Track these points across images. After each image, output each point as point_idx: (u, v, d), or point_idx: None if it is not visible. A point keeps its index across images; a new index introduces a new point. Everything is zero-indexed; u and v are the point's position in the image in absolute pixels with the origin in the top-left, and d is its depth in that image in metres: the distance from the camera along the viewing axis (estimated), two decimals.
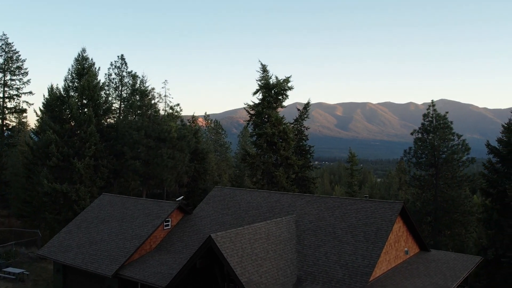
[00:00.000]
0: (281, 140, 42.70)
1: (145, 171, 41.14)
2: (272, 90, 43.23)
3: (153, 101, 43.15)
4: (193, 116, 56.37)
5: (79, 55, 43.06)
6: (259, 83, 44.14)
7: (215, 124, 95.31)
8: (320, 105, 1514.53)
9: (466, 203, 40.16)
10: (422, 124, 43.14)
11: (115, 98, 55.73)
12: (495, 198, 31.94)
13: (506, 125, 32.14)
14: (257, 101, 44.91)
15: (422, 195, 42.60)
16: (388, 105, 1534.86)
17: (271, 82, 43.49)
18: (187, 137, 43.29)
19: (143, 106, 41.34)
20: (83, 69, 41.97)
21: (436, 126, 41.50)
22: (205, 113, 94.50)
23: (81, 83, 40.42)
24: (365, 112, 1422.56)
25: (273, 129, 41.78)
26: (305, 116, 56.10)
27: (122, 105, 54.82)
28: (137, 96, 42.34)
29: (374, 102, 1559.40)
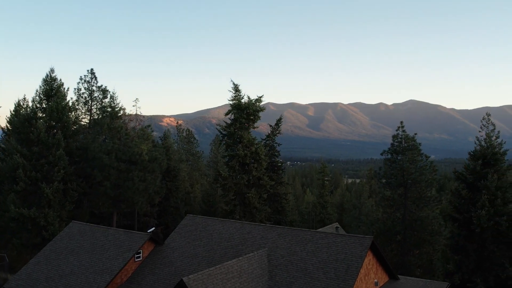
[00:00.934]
0: (253, 161, 42.87)
1: (115, 194, 40.65)
2: (244, 111, 43.34)
3: (123, 121, 42.63)
4: (165, 133, 56.00)
5: (47, 75, 42.19)
6: (231, 103, 44.19)
7: (187, 133, 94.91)
8: (292, 105, 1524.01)
9: (434, 223, 41.08)
10: (392, 144, 43.98)
11: (84, 113, 54.94)
12: (461, 224, 32.79)
13: (472, 153, 33.05)
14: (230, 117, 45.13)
15: (392, 215, 43.39)
16: (359, 105, 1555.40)
17: (243, 102, 43.59)
18: (159, 159, 42.99)
19: (113, 128, 40.81)
20: (51, 90, 41.12)
21: (405, 148, 42.35)
22: (177, 122, 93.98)
23: (50, 104, 39.62)
24: (337, 112, 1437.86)
25: (245, 150, 41.92)
26: (277, 132, 56.61)
27: (93, 117, 54.07)
28: (107, 118, 41.77)
29: (345, 102, 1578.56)
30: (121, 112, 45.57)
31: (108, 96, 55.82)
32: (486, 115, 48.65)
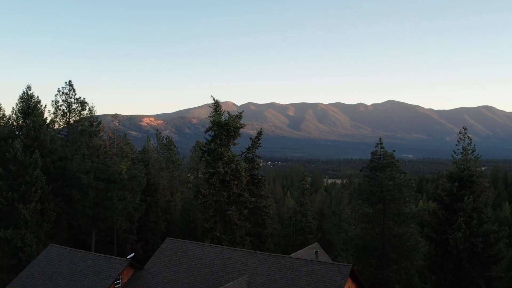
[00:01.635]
0: (233, 178, 42.85)
1: (94, 213, 40.21)
2: (225, 128, 43.31)
3: (101, 137, 42.16)
4: (144, 148, 55.63)
5: (24, 92, 41.50)
6: (211, 119, 44.12)
7: (167, 140, 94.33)
8: (272, 105, 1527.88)
9: (412, 240, 41.61)
10: (371, 161, 44.39)
11: (62, 125, 54.30)
12: (438, 244, 33.31)
13: (449, 174, 33.59)
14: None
15: (371, 230, 43.82)
16: (338, 105, 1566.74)
17: (223, 119, 43.55)
18: (138, 177, 42.65)
19: (92, 146, 40.34)
20: (28, 107, 40.47)
21: (384, 165, 42.77)
22: (157, 130, 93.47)
23: (27, 122, 38.98)
24: (317, 112, 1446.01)
25: (225, 167, 41.87)
26: (257, 144, 56.70)
27: (71, 130, 53.36)
28: (86, 137, 41.25)
29: (325, 102, 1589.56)
30: (100, 126, 45.04)
31: (87, 108, 55.29)
32: (462, 129, 49.62)
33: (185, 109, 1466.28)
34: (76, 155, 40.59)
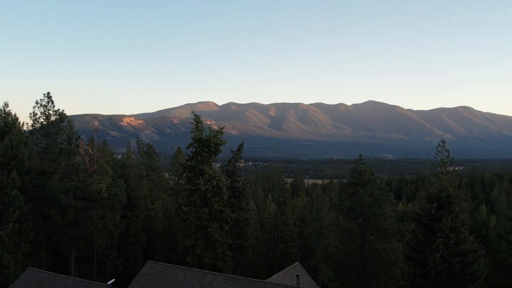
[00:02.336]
0: (215, 195, 42.80)
1: (73, 233, 39.72)
2: (206, 144, 43.19)
3: (80, 154, 41.69)
4: (125, 163, 55.25)
5: (1, 110, 40.72)
6: (192, 135, 43.96)
7: (148, 148, 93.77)
8: (254, 105, 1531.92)
9: (391, 255, 42.09)
10: (351, 176, 44.80)
11: (40, 138, 53.54)
12: (417, 263, 33.80)
13: (428, 195, 34.11)
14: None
15: (351, 245, 44.21)
16: (319, 105, 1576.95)
17: (205, 136, 43.44)
18: (119, 195, 42.29)
19: (71, 165, 39.85)
20: (5, 125, 39.73)
21: (364, 181, 43.18)
22: (138, 137, 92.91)
23: (4, 141, 38.24)
24: (298, 112, 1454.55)
25: (207, 184, 41.79)
26: (239, 157, 56.82)
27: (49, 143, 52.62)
28: (65, 155, 40.74)
29: (306, 102, 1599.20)
30: (79, 141, 44.54)
31: (66, 120, 54.59)
32: (441, 142, 50.40)
33: (166, 109, 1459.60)
34: (55, 175, 40.06)
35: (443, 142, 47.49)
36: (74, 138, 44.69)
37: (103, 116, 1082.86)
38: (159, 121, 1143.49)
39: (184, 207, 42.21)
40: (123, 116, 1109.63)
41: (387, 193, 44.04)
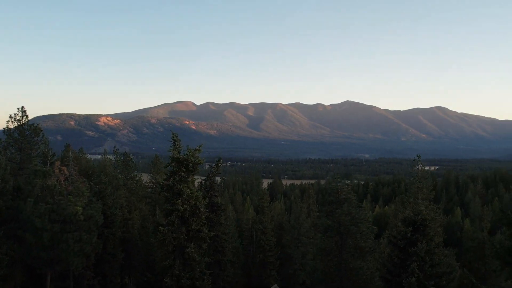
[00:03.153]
0: (192, 215, 42.57)
1: (49, 257, 39.08)
2: (183, 163, 42.92)
3: (56, 175, 40.99)
4: (100, 180, 54.61)
5: None
6: (170, 154, 43.63)
7: (125, 156, 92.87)
8: (232, 105, 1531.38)
9: (368, 273, 42.74)
10: (329, 194, 45.31)
11: (14, 153, 52.65)
12: (393, 286, 34.32)
13: (403, 218, 34.65)
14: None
15: (329, 263, 44.77)
16: (297, 106, 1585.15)
17: (182, 155, 43.14)
18: (95, 216, 41.76)
19: (46, 187, 39.19)
20: None
21: (341, 200, 43.74)
22: (114, 147, 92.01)
23: None
24: (276, 112, 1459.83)
25: (185, 205, 41.54)
26: (217, 172, 56.77)
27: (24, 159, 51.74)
28: (40, 178, 40.01)
29: (284, 102, 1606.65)
30: (54, 159, 43.86)
31: (40, 135, 53.83)
32: (417, 157, 51.30)
33: (143, 109, 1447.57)
34: (29, 198, 39.37)
35: (419, 156, 48.35)
36: (49, 156, 43.93)
37: (79, 115, 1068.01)
38: (136, 121, 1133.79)
39: (161, 227, 41.92)
40: (100, 115, 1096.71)
41: (363, 211, 44.71)
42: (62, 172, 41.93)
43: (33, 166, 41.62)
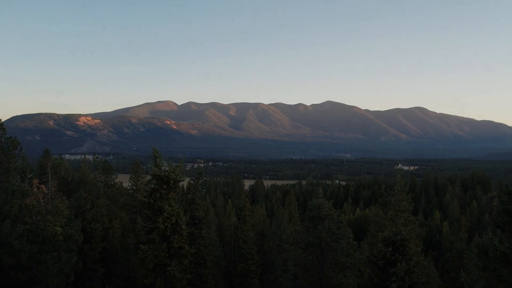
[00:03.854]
0: (174, 232, 42.38)
1: (27, 278, 38.47)
2: (164, 180, 42.70)
3: (35, 195, 40.43)
4: (80, 194, 53.86)
5: None
6: (150, 172, 43.40)
7: (105, 163, 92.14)
8: (213, 105, 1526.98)
9: None
10: (310, 210, 45.56)
11: None
12: None
13: (383, 238, 34.98)
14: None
15: (310, 278, 45.06)
16: (279, 106, 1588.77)
17: (163, 172, 42.92)
18: (74, 236, 41.25)
19: (25, 207, 38.60)
20: None
21: (322, 216, 44.02)
22: (94, 154, 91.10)
23: None
24: (258, 112, 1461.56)
25: (166, 222, 41.32)
26: (198, 185, 56.65)
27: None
28: (18, 198, 39.36)
29: (266, 102, 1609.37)
30: (33, 177, 43.24)
31: (19, 148, 53.09)
32: (397, 168, 51.59)
33: (124, 108, 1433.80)
34: (7, 220, 38.67)
35: (399, 170, 48.69)
36: (28, 172, 43.27)
37: (58, 115, 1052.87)
38: (117, 120, 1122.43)
39: (142, 246, 41.66)
40: (80, 115, 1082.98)
41: (344, 227, 45.11)
42: (40, 190, 41.33)
43: (11, 185, 40.93)
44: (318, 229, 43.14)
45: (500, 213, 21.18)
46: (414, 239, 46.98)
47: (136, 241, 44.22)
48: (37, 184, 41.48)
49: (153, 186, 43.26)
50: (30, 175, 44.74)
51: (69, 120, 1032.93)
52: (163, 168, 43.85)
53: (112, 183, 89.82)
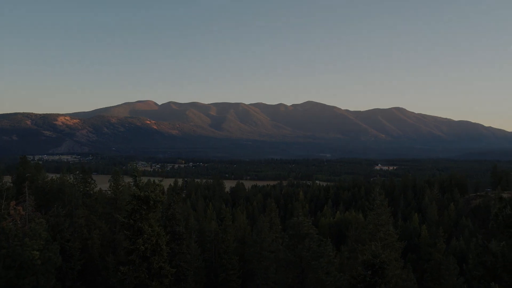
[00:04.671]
0: (154, 253, 42.10)
1: None
2: (144, 201, 42.38)
3: (12, 215, 39.69)
4: (59, 212, 53.10)
5: None
6: (130, 192, 43.07)
7: (84, 173, 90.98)
8: (194, 104, 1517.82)
9: None
10: (291, 227, 45.70)
11: None
12: None
13: (362, 261, 35.29)
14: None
15: None
16: (260, 105, 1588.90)
17: (143, 193, 42.58)
18: (53, 259, 40.68)
19: (1, 231, 37.85)
20: None
21: (302, 235, 44.19)
22: (71, 164, 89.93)
23: None
24: (238, 112, 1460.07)
25: (146, 244, 40.99)
26: (178, 200, 56.47)
27: None
28: None
29: (247, 102, 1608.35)
30: (10, 197, 42.49)
31: None
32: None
33: (103, 108, 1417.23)
34: None
35: (378, 189, 49.20)
36: (4, 194, 42.45)
37: (36, 115, 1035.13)
38: (96, 120, 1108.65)
39: (121, 267, 41.29)
40: (58, 115, 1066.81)
41: (325, 244, 45.31)
42: (17, 212, 40.64)
43: None
44: (299, 248, 43.33)
45: (475, 266, 21.49)
46: (394, 253, 47.54)
47: (115, 261, 43.78)
48: (14, 206, 40.73)
49: (132, 206, 42.90)
50: (7, 194, 43.93)
51: (47, 120, 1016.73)
52: (142, 183, 43.58)
53: (91, 192, 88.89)
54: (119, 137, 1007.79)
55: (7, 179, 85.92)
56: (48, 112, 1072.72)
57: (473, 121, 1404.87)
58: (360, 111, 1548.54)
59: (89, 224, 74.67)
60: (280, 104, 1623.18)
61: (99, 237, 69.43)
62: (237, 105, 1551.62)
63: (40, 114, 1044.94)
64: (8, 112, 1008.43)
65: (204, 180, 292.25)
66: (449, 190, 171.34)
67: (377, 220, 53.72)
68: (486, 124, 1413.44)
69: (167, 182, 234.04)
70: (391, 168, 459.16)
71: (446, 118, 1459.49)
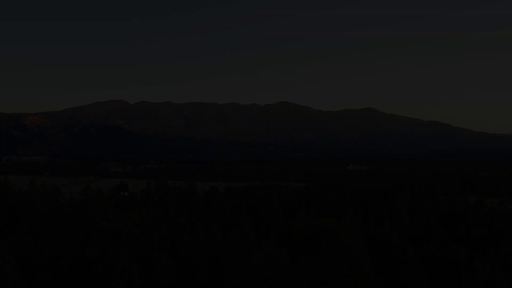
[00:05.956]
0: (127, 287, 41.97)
1: None
2: (116, 235, 42.10)
3: None
4: (27, 238, 52.23)
5: None
6: (101, 225, 42.70)
7: (55, 189, 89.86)
8: (168, 104, 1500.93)
9: None
10: None
11: None
12: None
13: None
14: None
15: None
16: (233, 106, 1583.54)
17: (114, 226, 42.36)
18: None
19: None
20: None
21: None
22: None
23: None
24: (212, 112, 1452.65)
25: (118, 279, 40.77)
26: (154, 236, 56.06)
27: None
28: None
29: (220, 102, 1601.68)
30: None
31: None
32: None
33: (74, 107, 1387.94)
34: None
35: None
36: None
37: (3, 114, 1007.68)
38: (66, 120, 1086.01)
39: None
40: (27, 114, 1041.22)
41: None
42: None
43: None
44: None
45: None
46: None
47: None
48: None
49: (104, 242, 42.56)
50: None
51: (15, 120, 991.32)
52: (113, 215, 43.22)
53: (62, 208, 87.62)
54: (90, 137, 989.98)
55: None
56: (16, 112, 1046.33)
57: (441, 121, 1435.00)
58: (332, 111, 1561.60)
59: (59, 243, 73.37)
60: (253, 104, 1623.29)
61: (70, 254, 68.46)
62: (211, 105, 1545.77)
63: (7, 114, 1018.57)
64: None
65: (178, 184, 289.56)
66: (419, 195, 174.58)
67: (350, 248, 54.25)
68: (455, 124, 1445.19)
69: (140, 184, 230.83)
70: (363, 168, 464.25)
71: (417, 118, 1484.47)
